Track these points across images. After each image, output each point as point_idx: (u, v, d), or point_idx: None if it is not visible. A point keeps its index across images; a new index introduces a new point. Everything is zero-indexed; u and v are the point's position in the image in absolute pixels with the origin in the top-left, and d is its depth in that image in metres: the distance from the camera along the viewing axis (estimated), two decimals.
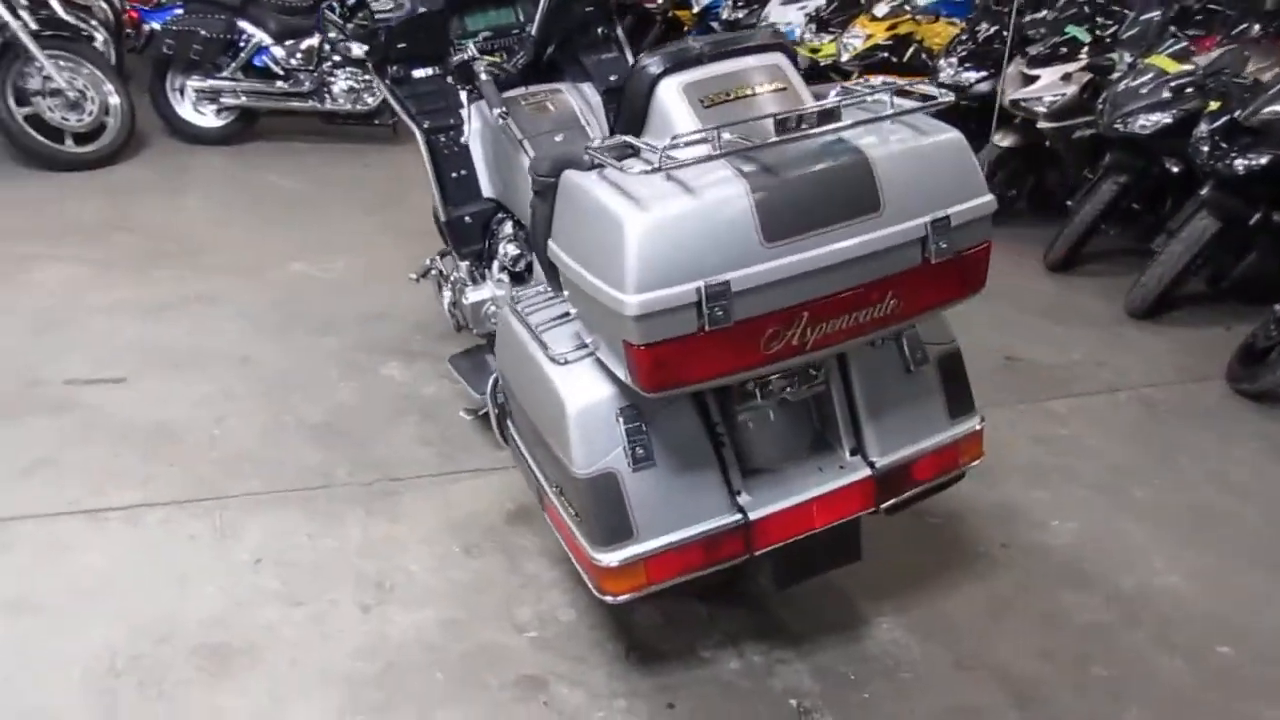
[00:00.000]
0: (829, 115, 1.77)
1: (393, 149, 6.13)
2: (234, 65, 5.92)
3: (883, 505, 2.09)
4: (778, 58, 1.92)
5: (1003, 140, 5.12)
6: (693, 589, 2.06)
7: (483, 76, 2.80)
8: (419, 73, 3.06)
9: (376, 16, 2.98)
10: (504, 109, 2.72)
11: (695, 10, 7.55)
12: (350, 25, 3.11)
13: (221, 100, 6.02)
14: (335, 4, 3.17)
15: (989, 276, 1.90)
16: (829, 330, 1.73)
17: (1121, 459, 3.19)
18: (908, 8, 6.13)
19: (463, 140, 3.03)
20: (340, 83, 6.04)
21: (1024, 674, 2.30)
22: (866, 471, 2.04)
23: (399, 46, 2.98)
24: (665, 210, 1.63)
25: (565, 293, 1.95)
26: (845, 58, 6.05)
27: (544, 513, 2.22)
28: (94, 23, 6.74)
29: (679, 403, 1.91)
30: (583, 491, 1.89)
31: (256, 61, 5.97)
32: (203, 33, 5.77)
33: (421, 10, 2.93)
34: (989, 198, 1.81)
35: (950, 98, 1.85)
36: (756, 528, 1.96)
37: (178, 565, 2.53)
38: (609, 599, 1.96)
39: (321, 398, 3.34)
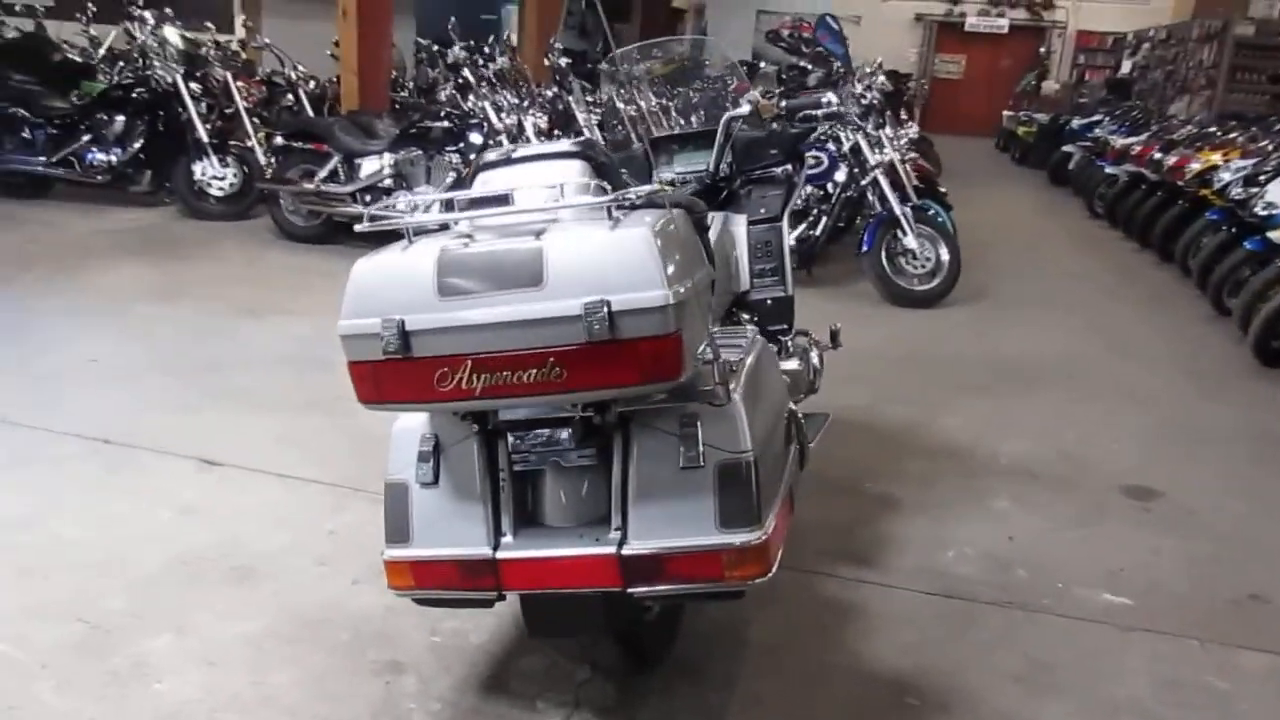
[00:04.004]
0: (503, 201, 2.13)
1: None
2: None
3: (632, 590, 2.10)
4: (573, 164, 2.27)
5: None
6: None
7: None
8: None
9: None
10: None
11: (1216, 188, 7.36)
12: None
13: None
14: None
15: None
16: (495, 383, 1.93)
17: None
18: None
19: None
20: None
21: None
22: (613, 549, 2.08)
23: None
24: (377, 258, 2.05)
25: None
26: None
27: None
28: None
29: (468, 443, 2.20)
30: (385, 493, 2.28)
31: None
32: None
33: (623, 153, 3.50)
34: (658, 293, 1.87)
35: (618, 198, 2.00)
36: (503, 567, 2.14)
37: (288, 518, 3.33)
38: (392, 591, 2.29)
39: None
